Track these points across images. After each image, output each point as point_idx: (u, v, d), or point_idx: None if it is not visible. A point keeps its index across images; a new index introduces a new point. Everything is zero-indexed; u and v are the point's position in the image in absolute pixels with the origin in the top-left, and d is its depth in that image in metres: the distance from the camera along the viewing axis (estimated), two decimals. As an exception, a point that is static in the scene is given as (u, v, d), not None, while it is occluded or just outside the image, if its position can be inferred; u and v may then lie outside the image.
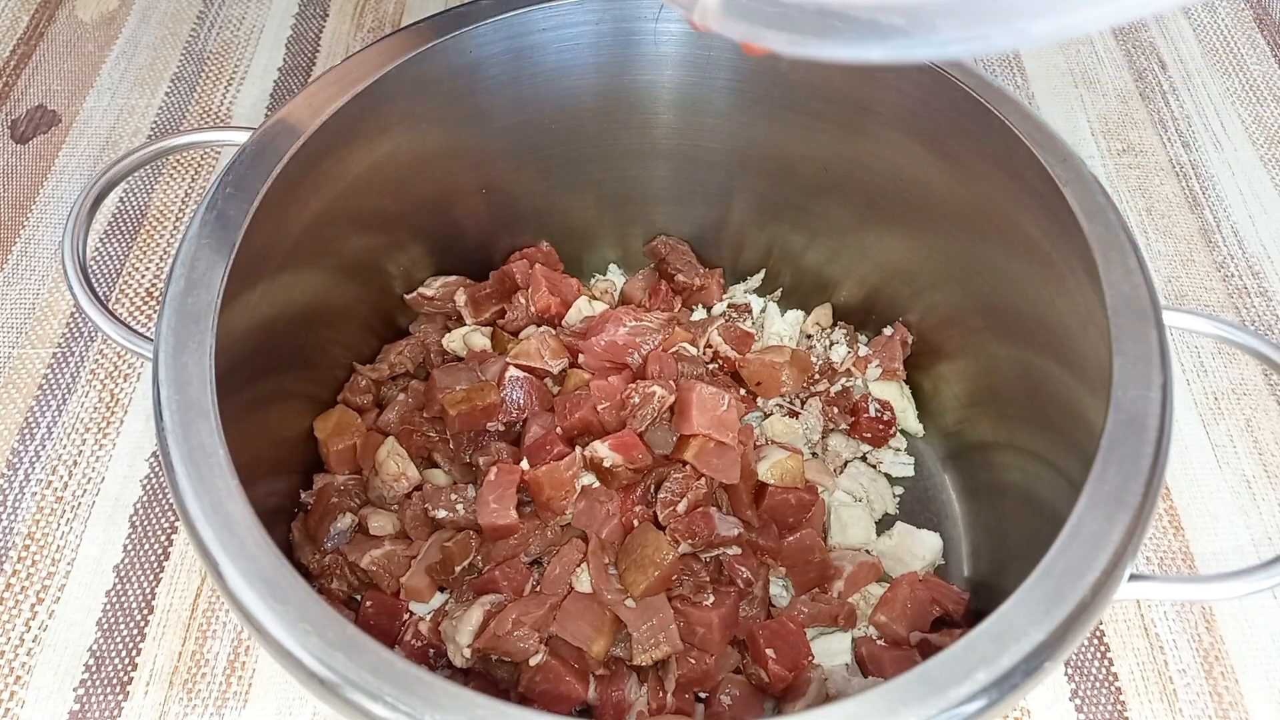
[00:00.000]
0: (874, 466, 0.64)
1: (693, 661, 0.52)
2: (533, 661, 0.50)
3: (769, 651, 0.52)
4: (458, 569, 0.53)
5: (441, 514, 0.55)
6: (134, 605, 0.58)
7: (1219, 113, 0.83)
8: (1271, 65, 0.87)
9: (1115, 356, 0.43)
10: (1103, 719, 0.55)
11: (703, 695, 0.53)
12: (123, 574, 0.59)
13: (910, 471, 0.64)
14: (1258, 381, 0.68)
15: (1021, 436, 0.56)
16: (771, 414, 0.64)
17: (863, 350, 0.66)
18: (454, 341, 0.64)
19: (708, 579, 0.54)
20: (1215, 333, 0.48)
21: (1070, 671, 0.56)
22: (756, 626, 0.53)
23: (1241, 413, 0.66)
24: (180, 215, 0.77)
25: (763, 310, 0.70)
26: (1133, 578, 0.40)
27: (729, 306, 0.70)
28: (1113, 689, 0.56)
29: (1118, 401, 0.42)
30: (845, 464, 0.64)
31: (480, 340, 0.63)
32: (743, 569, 0.54)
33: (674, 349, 0.62)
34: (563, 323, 0.64)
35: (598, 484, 0.56)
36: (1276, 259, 0.74)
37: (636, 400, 0.57)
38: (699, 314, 0.70)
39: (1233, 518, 0.62)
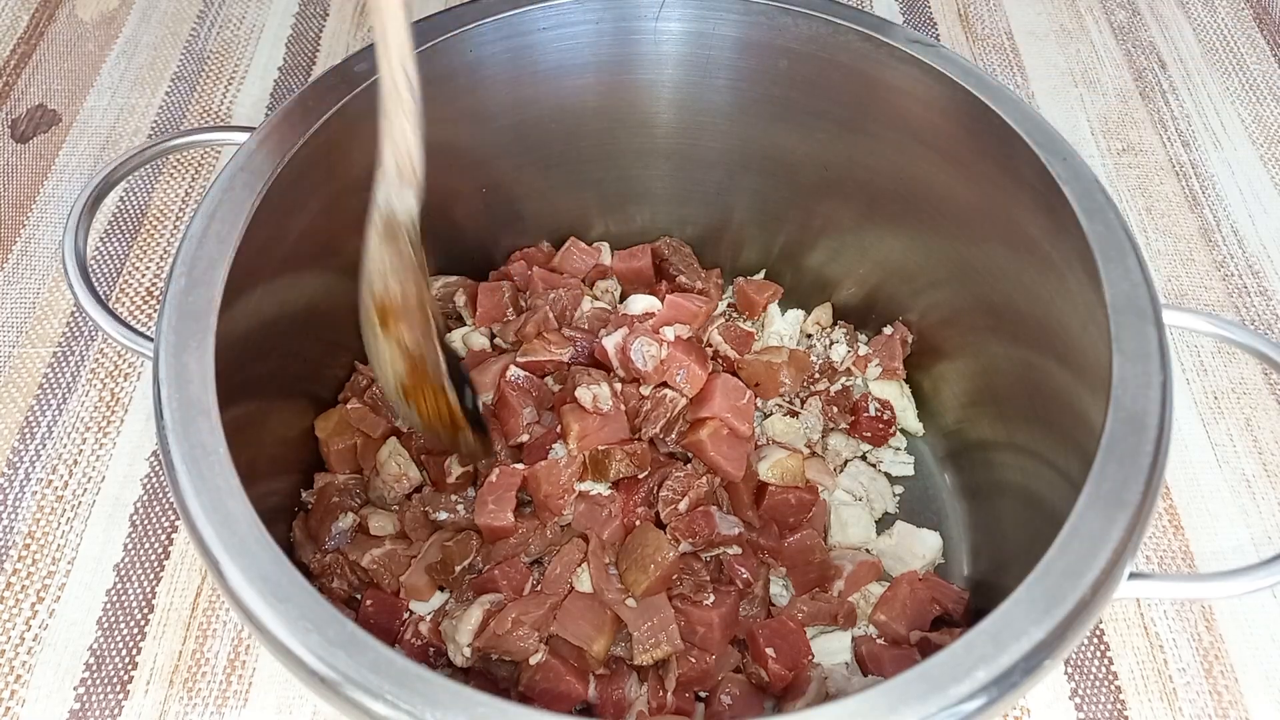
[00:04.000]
0: (874, 466, 0.64)
1: (693, 661, 0.52)
2: (533, 660, 0.50)
3: (769, 651, 0.52)
4: (458, 569, 0.53)
5: (442, 515, 0.55)
6: (134, 604, 0.58)
7: (1219, 112, 0.83)
8: (1271, 64, 0.87)
9: (1115, 355, 0.43)
10: (1102, 718, 0.55)
11: (703, 694, 0.53)
12: (123, 573, 0.59)
13: (910, 471, 0.64)
14: (1257, 380, 0.68)
15: (1021, 436, 0.56)
16: (771, 414, 0.64)
17: (862, 350, 0.66)
18: (454, 341, 0.64)
19: (708, 578, 0.54)
20: (1215, 331, 0.48)
21: (1070, 670, 0.56)
22: (756, 626, 0.53)
23: (1241, 412, 0.66)
24: (180, 214, 0.77)
25: (763, 310, 0.70)
26: (1132, 576, 0.40)
27: (729, 306, 0.70)
28: (1112, 688, 0.56)
29: (1118, 400, 0.42)
30: (845, 463, 0.64)
31: (480, 340, 0.63)
32: (742, 569, 0.54)
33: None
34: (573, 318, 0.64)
35: (597, 490, 0.56)
36: (1276, 258, 0.74)
37: (649, 406, 0.57)
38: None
39: (1232, 517, 0.62)
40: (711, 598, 0.52)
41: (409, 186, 0.43)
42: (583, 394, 0.55)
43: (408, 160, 0.42)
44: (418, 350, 0.45)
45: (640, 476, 0.56)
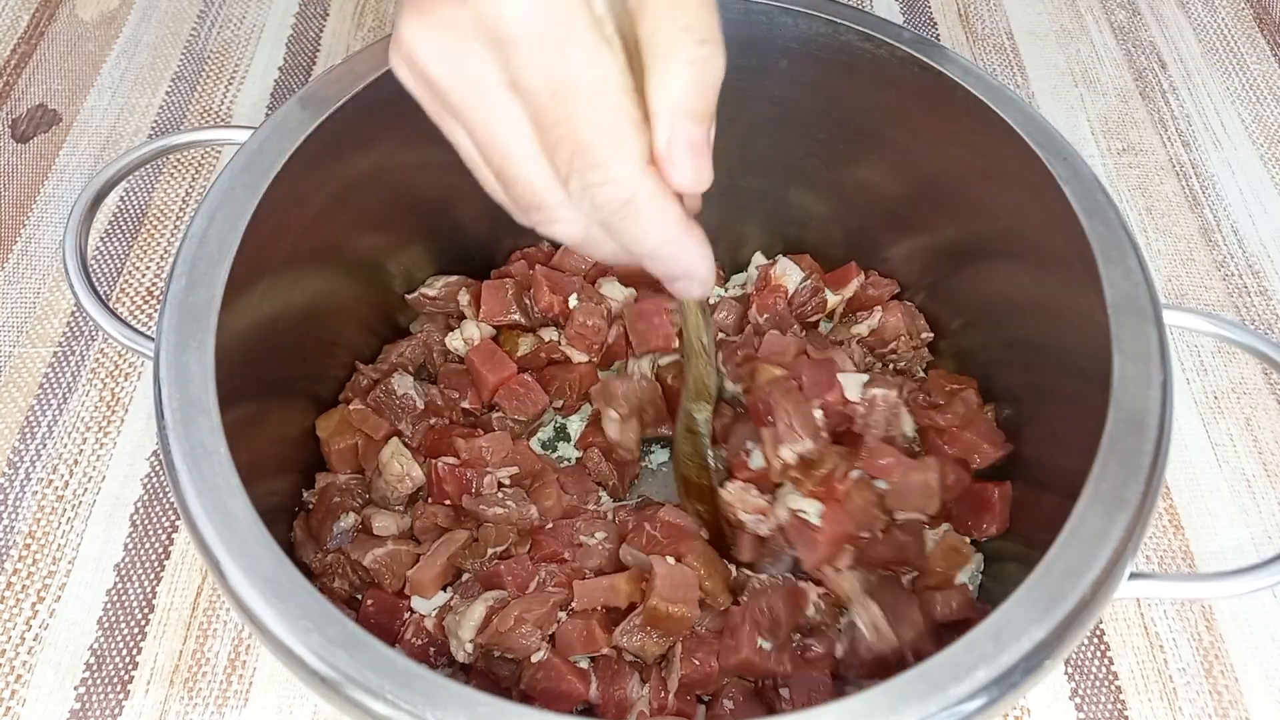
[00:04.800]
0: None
1: (696, 663, 0.51)
2: (534, 658, 0.50)
3: (783, 692, 0.51)
4: (490, 551, 0.54)
5: (496, 511, 0.55)
6: (135, 604, 0.58)
7: (1219, 112, 0.84)
8: (1271, 65, 0.87)
9: (1115, 355, 0.43)
10: (1102, 718, 0.55)
11: (705, 698, 0.53)
12: (123, 573, 0.59)
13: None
14: (1257, 380, 0.68)
15: (1021, 435, 0.56)
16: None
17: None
18: (456, 341, 0.64)
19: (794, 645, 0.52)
20: (1215, 331, 0.48)
21: (1070, 670, 0.56)
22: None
23: (1241, 411, 0.66)
24: (181, 214, 0.77)
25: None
26: (1133, 576, 0.40)
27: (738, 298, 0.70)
28: (1112, 688, 0.56)
29: (1118, 400, 0.42)
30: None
31: (477, 331, 0.63)
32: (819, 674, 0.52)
33: None
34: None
35: (806, 510, 0.53)
36: (1276, 258, 0.74)
37: (862, 410, 0.55)
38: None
39: (1232, 516, 0.62)
40: (771, 653, 0.51)
41: (705, 403, 0.55)
42: (787, 454, 0.54)
43: (704, 389, 0.55)
44: (709, 513, 0.57)
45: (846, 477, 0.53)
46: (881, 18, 0.55)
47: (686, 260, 0.37)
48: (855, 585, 0.52)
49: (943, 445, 0.57)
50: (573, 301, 0.64)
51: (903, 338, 0.62)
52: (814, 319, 0.65)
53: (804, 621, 0.53)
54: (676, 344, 0.63)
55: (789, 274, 0.65)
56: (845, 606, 0.53)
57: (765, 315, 0.64)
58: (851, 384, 0.56)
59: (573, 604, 0.52)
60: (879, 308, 0.63)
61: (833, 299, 0.65)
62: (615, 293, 0.66)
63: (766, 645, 0.51)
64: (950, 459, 0.56)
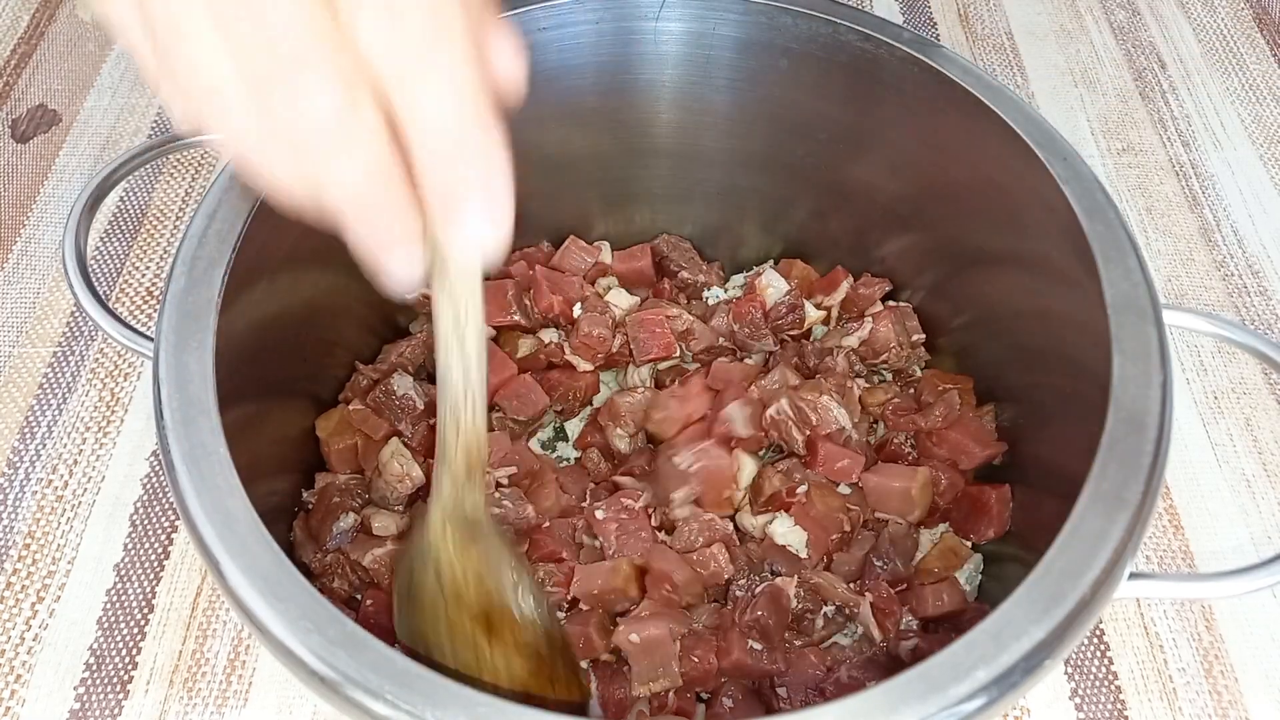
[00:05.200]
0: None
1: (695, 660, 0.51)
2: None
3: (780, 691, 0.51)
4: None
5: (493, 511, 0.54)
6: (134, 604, 0.58)
7: (1219, 112, 0.83)
8: (1271, 65, 0.87)
9: (1115, 355, 0.43)
10: (1102, 718, 0.55)
11: (704, 696, 0.53)
12: (123, 573, 0.59)
13: None
14: (1257, 380, 0.68)
15: (1020, 435, 0.56)
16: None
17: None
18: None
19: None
20: (1215, 331, 0.48)
21: (1070, 670, 0.56)
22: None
23: (1241, 411, 0.66)
24: (181, 214, 0.77)
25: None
26: (1133, 576, 0.40)
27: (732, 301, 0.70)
28: (1112, 688, 0.56)
29: (1118, 400, 0.42)
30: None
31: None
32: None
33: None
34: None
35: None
36: (1276, 258, 0.74)
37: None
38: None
39: (1232, 516, 0.62)
40: (781, 664, 0.51)
41: (478, 478, 0.40)
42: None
43: (479, 445, 0.39)
44: (535, 640, 0.40)
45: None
46: (881, 18, 0.55)
47: (481, 164, 0.25)
48: (836, 582, 0.52)
49: (932, 447, 0.57)
50: (578, 310, 0.64)
51: (894, 348, 0.62)
52: (791, 333, 0.65)
53: (792, 614, 0.53)
54: (678, 351, 0.63)
55: (772, 286, 0.65)
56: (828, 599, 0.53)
57: (739, 324, 0.64)
58: (738, 418, 0.56)
59: (572, 591, 0.52)
60: (869, 318, 0.63)
61: (813, 314, 0.65)
62: (620, 300, 0.66)
63: (759, 646, 0.51)
64: (941, 461, 0.57)
